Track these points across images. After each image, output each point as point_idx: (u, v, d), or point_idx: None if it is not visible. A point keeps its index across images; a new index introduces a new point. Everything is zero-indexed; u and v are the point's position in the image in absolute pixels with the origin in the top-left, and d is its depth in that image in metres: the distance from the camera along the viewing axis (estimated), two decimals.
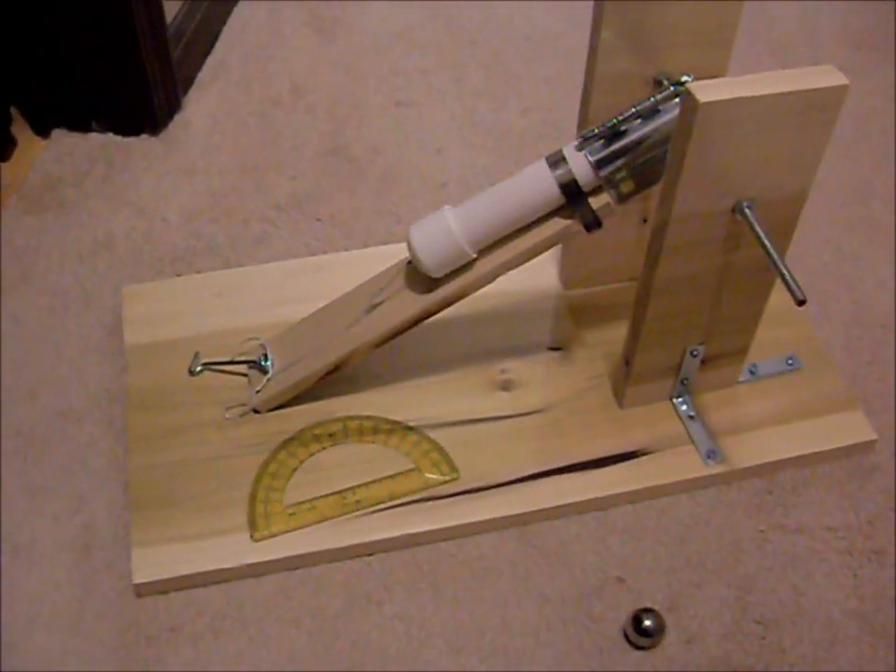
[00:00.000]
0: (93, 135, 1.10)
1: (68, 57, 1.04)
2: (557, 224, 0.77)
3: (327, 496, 0.80)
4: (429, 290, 0.80)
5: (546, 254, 0.80)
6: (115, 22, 1.00)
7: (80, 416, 0.87)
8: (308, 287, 0.93)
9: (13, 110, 1.10)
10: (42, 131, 1.10)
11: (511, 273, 0.79)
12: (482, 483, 0.81)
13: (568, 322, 0.92)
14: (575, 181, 0.74)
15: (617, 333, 0.85)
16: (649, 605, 0.76)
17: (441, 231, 0.76)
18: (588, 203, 0.75)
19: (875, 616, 0.78)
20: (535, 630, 0.76)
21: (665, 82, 0.76)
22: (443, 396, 0.87)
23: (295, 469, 0.81)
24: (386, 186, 1.08)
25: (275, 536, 0.78)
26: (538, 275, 0.93)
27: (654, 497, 0.83)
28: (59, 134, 1.10)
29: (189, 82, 1.16)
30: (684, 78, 0.74)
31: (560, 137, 1.08)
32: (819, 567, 0.80)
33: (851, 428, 0.86)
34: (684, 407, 0.86)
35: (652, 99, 0.72)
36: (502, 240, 0.78)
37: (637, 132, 0.73)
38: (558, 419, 0.86)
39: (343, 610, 0.76)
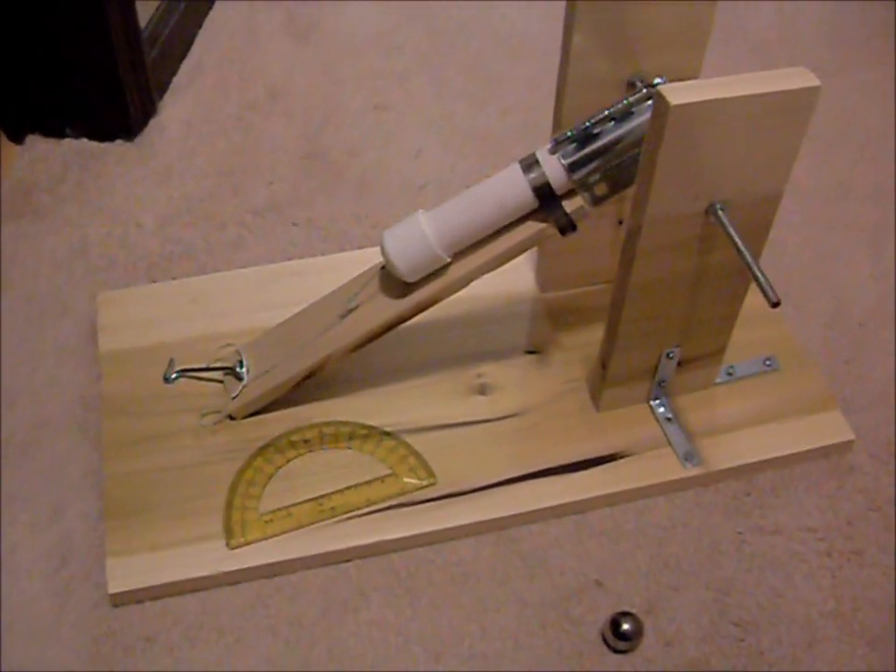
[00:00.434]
0: (68, 141, 1.09)
1: (41, 62, 1.03)
2: (531, 227, 0.76)
3: (303, 502, 0.79)
4: (404, 295, 0.79)
5: (522, 257, 0.79)
6: (88, 26, 1.00)
7: (57, 425, 0.86)
8: (285, 292, 0.93)
9: None
10: (16, 137, 1.09)
11: (486, 276, 0.79)
12: (459, 488, 0.81)
13: (545, 325, 0.92)
14: (548, 184, 0.74)
15: (594, 336, 0.85)
16: (627, 608, 0.76)
17: (415, 235, 0.76)
18: (562, 207, 0.75)
19: (853, 617, 0.78)
20: (514, 634, 0.76)
21: (639, 84, 0.76)
22: (420, 400, 0.86)
23: (271, 476, 0.81)
24: (364, 189, 1.07)
25: (252, 543, 0.77)
26: (514, 278, 0.93)
27: (632, 499, 0.83)
28: (33, 140, 1.09)
29: (164, 86, 1.15)
30: (657, 80, 0.74)
31: (540, 139, 1.07)
32: (797, 569, 0.80)
33: (829, 429, 0.86)
34: (661, 409, 0.86)
35: (625, 101, 0.72)
36: (476, 244, 0.77)
37: (611, 134, 0.73)
38: (535, 423, 0.85)
39: (321, 618, 0.76)
